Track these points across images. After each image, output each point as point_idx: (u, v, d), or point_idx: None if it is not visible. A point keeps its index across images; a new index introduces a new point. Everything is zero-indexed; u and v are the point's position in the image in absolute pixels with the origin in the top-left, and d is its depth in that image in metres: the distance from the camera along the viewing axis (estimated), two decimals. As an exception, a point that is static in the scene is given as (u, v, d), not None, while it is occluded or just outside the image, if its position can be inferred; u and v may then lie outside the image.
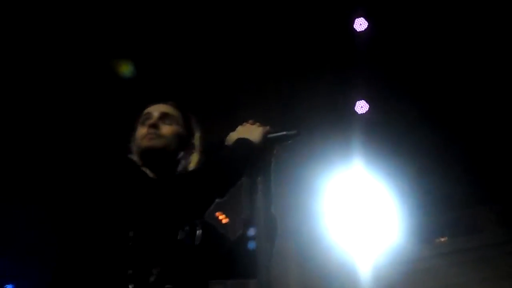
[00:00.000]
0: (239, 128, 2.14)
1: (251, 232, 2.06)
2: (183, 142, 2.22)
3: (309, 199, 7.02)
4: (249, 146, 2.05)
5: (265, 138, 2.09)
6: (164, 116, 2.23)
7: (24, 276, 7.60)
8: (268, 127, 2.13)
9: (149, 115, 2.24)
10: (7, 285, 8.16)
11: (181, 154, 2.21)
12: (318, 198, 7.02)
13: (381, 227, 7.27)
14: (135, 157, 2.17)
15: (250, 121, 2.17)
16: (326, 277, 7.36)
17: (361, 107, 6.29)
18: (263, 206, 2.07)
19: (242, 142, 2.06)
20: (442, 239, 7.82)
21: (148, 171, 2.09)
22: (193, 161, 2.24)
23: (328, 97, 6.33)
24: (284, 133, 2.13)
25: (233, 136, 2.11)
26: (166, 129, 2.19)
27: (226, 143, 2.10)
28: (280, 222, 2.25)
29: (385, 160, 6.50)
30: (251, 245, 2.05)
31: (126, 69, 5.59)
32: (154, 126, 2.18)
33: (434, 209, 7.28)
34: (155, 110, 2.25)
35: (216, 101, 5.99)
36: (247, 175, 2.10)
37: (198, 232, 2.15)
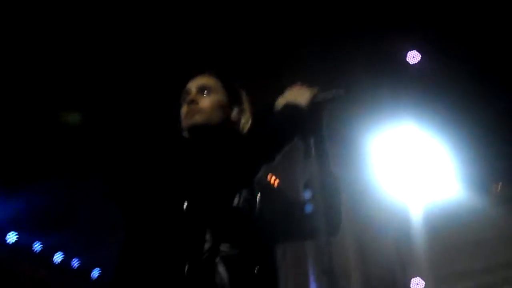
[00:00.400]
0: (287, 92, 2.13)
1: (308, 194, 2.08)
2: (227, 108, 2.25)
3: (361, 154, 6.95)
4: (297, 110, 2.05)
5: (313, 100, 2.08)
6: (202, 89, 2.25)
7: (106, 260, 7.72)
8: (316, 89, 2.12)
9: (188, 91, 2.27)
10: (94, 268, 8.44)
11: (230, 120, 2.24)
12: (370, 152, 6.94)
13: (434, 177, 7.19)
14: (185, 134, 2.21)
15: (298, 84, 2.17)
16: (380, 230, 7.37)
17: (413, 57, 6.12)
18: (318, 168, 2.07)
19: (290, 106, 2.06)
20: (498, 187, 7.67)
21: (198, 146, 2.12)
22: (246, 124, 2.26)
23: (377, 49, 6.11)
24: (333, 93, 2.11)
25: (281, 101, 2.10)
26: (205, 102, 2.21)
27: (274, 109, 2.11)
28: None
29: (438, 109, 6.34)
30: (308, 207, 2.07)
31: (72, 118, 5.63)
32: (193, 102, 2.21)
33: (487, 157, 7.12)
34: (193, 85, 2.28)
35: (259, 66, 5.91)
36: (300, 138, 2.11)
37: (258, 196, 2.18)
